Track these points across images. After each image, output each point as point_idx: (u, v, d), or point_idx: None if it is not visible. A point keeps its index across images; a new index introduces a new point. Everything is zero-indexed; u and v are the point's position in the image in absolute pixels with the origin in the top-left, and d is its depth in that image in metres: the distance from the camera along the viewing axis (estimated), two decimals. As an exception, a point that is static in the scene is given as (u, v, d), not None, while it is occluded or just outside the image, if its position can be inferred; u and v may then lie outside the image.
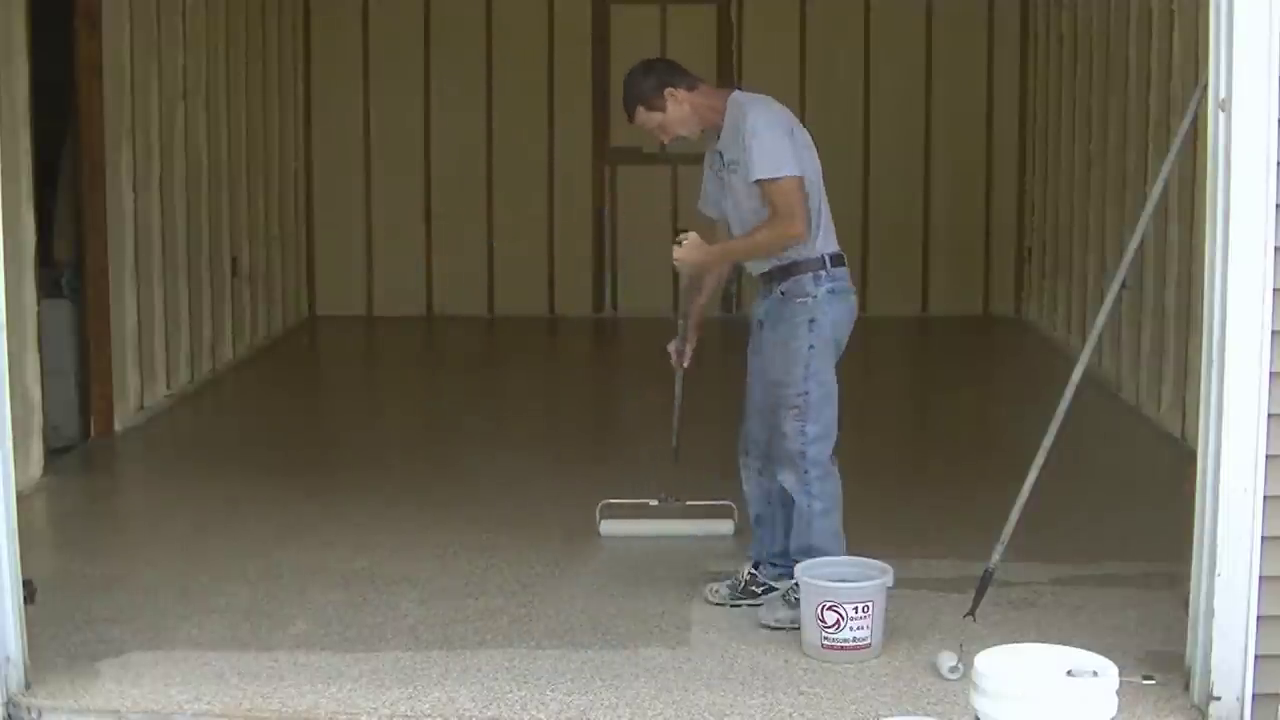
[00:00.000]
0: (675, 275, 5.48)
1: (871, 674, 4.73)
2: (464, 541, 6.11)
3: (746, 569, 5.35)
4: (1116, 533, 6.16)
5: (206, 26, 9.35)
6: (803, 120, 5.23)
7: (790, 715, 4.44)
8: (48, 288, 7.28)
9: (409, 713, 4.45)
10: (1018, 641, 4.11)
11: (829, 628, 4.80)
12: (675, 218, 11.68)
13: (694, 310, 5.52)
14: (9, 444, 4.52)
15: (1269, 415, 4.25)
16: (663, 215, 11.66)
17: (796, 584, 5.01)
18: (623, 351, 11.46)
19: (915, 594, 5.33)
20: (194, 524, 6.47)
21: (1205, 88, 4.38)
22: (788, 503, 5.26)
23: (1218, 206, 4.28)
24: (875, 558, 5.06)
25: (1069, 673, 3.60)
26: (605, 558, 5.95)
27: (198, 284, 9.33)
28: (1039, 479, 4.89)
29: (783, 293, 5.12)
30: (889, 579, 4.92)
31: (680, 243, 5.17)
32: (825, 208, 5.14)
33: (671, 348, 5.58)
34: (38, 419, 6.92)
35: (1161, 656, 4.70)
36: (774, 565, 5.29)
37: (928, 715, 4.34)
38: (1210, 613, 4.33)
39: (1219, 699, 4.33)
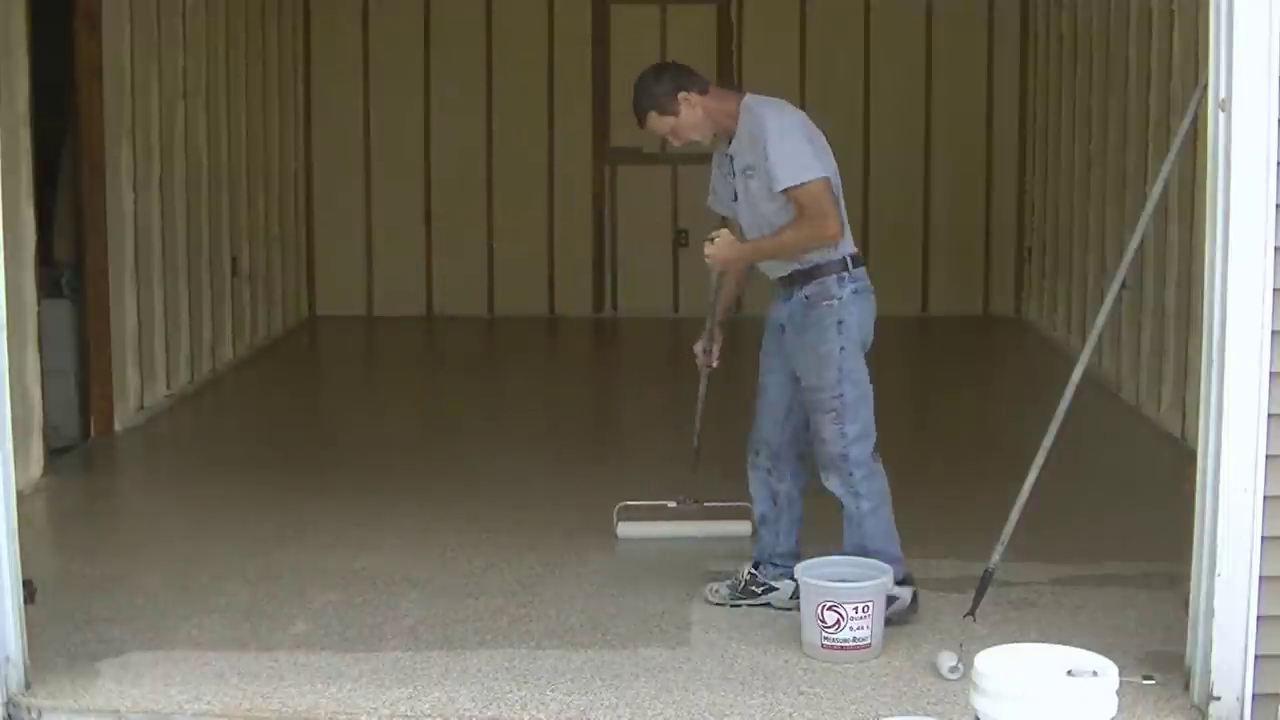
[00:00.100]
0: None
1: (871, 674, 4.72)
2: (464, 541, 6.11)
3: (747, 569, 5.34)
4: (1116, 533, 6.15)
5: (206, 27, 9.35)
6: (804, 120, 5.23)
7: (790, 715, 4.44)
8: (48, 287, 7.28)
9: (409, 713, 4.45)
10: (1018, 641, 4.12)
11: (829, 628, 4.80)
12: (675, 218, 11.71)
13: (720, 309, 5.48)
14: (9, 444, 4.52)
15: (1269, 415, 4.25)
16: (663, 215, 11.68)
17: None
18: (623, 351, 11.45)
19: (915, 594, 5.32)
20: (194, 524, 6.47)
21: (1205, 88, 4.38)
22: (794, 504, 5.29)
23: (1218, 206, 4.28)
24: (875, 558, 5.05)
25: (1069, 673, 3.60)
26: (605, 558, 5.95)
27: (198, 284, 9.33)
28: (1039, 479, 4.89)
29: (807, 297, 5.09)
30: (889, 579, 4.92)
31: (713, 239, 5.13)
32: (843, 209, 5.12)
33: (698, 347, 5.52)
34: (38, 419, 6.91)
35: (1161, 656, 4.70)
36: (775, 565, 5.29)
37: (928, 715, 4.33)
38: (1210, 613, 4.33)
39: (1219, 699, 4.33)
